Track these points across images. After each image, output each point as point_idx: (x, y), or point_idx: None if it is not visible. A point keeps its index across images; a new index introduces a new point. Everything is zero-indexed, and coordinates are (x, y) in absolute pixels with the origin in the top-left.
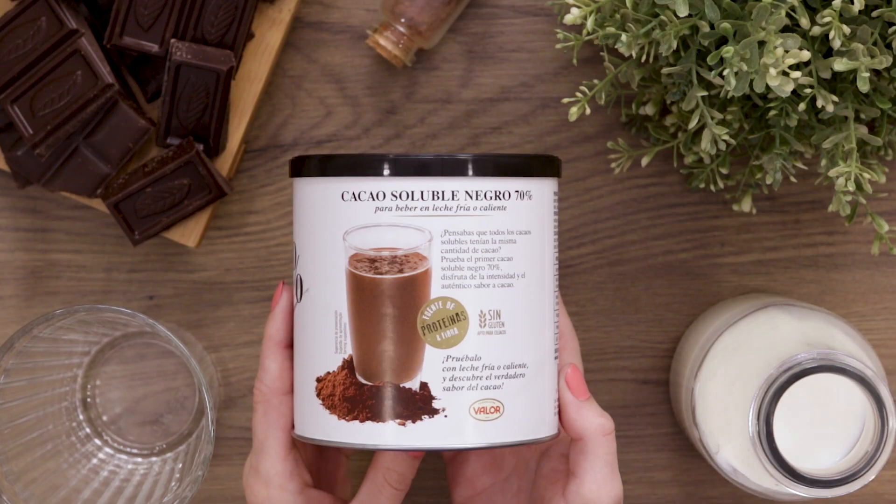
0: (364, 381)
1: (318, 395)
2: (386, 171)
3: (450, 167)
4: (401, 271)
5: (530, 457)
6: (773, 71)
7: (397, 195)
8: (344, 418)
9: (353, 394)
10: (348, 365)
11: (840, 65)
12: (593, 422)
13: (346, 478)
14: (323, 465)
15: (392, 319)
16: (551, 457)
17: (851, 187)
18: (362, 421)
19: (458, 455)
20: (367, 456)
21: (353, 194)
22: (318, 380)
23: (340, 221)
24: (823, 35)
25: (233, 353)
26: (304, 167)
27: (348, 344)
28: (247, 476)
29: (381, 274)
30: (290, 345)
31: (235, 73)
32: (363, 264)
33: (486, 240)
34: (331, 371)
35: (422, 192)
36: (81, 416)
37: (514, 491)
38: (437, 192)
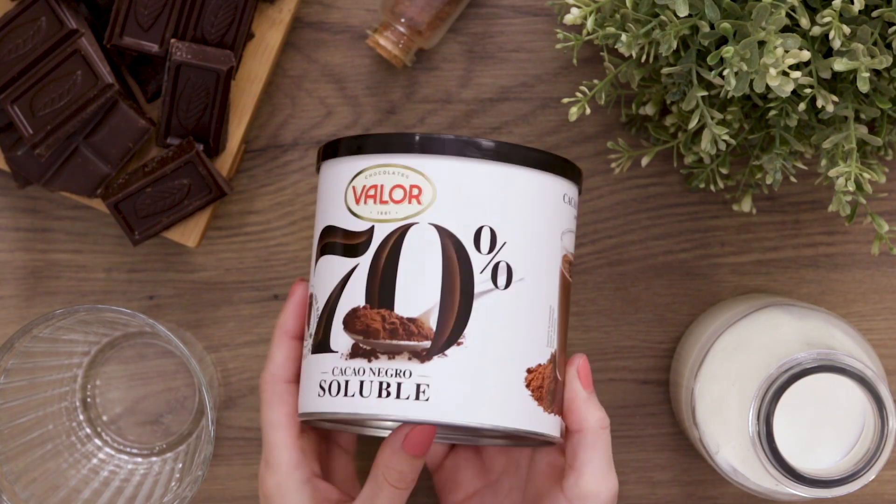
0: (558, 377)
1: (527, 386)
2: (578, 180)
3: (578, 174)
4: (572, 275)
5: (520, 455)
6: (773, 71)
7: (575, 202)
8: (548, 410)
9: (554, 387)
10: (554, 359)
11: (840, 65)
12: (595, 414)
13: (355, 477)
14: (329, 461)
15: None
16: (547, 452)
17: (851, 187)
18: (557, 414)
19: (447, 460)
20: (370, 457)
21: (568, 198)
22: (529, 371)
23: (559, 222)
24: (823, 35)
25: (233, 353)
26: (531, 158)
27: (555, 339)
28: (261, 470)
29: (570, 276)
30: (298, 336)
31: (235, 73)
32: (565, 265)
33: None
34: (542, 363)
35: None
36: (81, 416)
37: (506, 491)
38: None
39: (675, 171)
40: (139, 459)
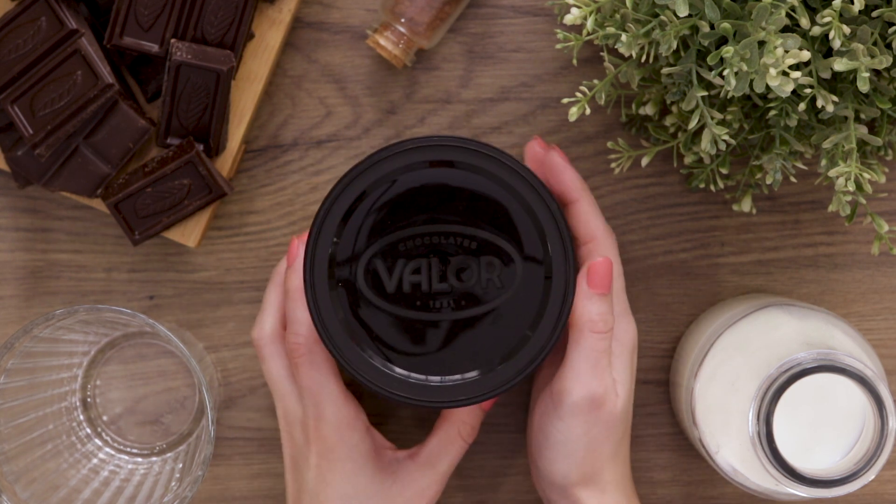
0: None
1: None
2: None
3: None
4: None
5: None
6: (773, 71)
7: None
8: None
9: None
10: None
11: (840, 65)
12: (586, 312)
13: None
14: None
15: None
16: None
17: (851, 187)
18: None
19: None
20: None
21: None
22: None
23: None
24: (823, 35)
25: (233, 353)
26: None
27: None
28: (303, 424)
29: None
30: None
31: (235, 73)
32: None
33: None
34: None
35: None
36: (81, 416)
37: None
38: None
39: (675, 171)
40: (139, 459)
